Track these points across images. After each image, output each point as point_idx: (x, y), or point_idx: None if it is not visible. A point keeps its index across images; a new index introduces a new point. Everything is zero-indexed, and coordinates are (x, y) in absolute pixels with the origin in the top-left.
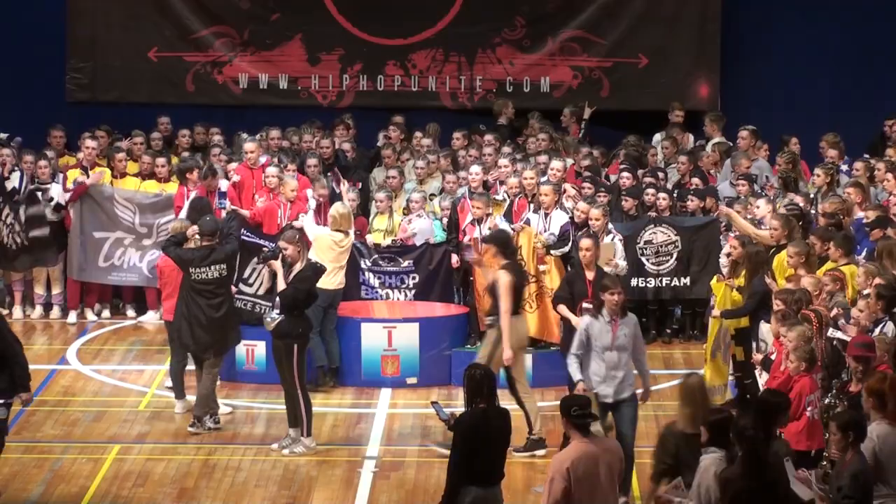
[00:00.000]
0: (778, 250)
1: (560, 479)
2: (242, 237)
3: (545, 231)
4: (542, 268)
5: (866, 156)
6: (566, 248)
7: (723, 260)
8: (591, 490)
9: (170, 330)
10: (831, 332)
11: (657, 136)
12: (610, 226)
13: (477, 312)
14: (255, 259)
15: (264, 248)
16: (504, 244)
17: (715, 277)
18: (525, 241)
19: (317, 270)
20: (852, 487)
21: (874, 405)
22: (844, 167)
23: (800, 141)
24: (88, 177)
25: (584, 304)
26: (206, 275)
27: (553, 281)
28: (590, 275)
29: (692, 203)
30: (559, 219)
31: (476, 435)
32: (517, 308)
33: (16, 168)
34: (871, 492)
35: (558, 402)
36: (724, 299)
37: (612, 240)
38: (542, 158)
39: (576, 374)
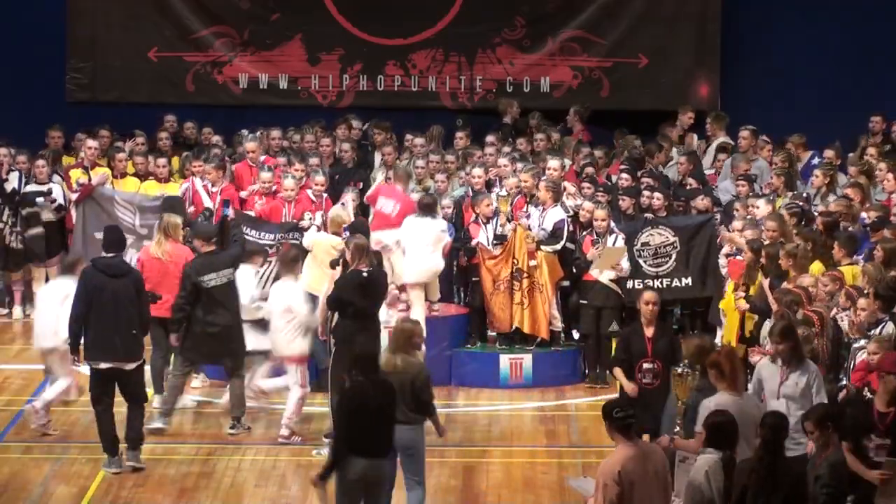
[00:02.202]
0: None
1: (613, 484)
2: (245, 236)
3: (539, 226)
4: (531, 263)
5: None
6: (558, 246)
7: (722, 261)
8: (642, 492)
9: (153, 324)
10: (839, 316)
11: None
12: (612, 225)
13: (485, 313)
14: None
15: (267, 248)
16: (355, 231)
17: (727, 299)
18: (518, 238)
19: (355, 278)
20: (831, 477)
21: (716, 376)
22: (816, 160)
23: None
24: (90, 177)
25: (644, 364)
26: (215, 281)
27: (543, 276)
28: (649, 331)
29: (700, 202)
30: (554, 215)
31: (354, 407)
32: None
33: (13, 168)
34: (847, 482)
35: (558, 403)
36: (736, 317)
37: (616, 240)
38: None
39: None
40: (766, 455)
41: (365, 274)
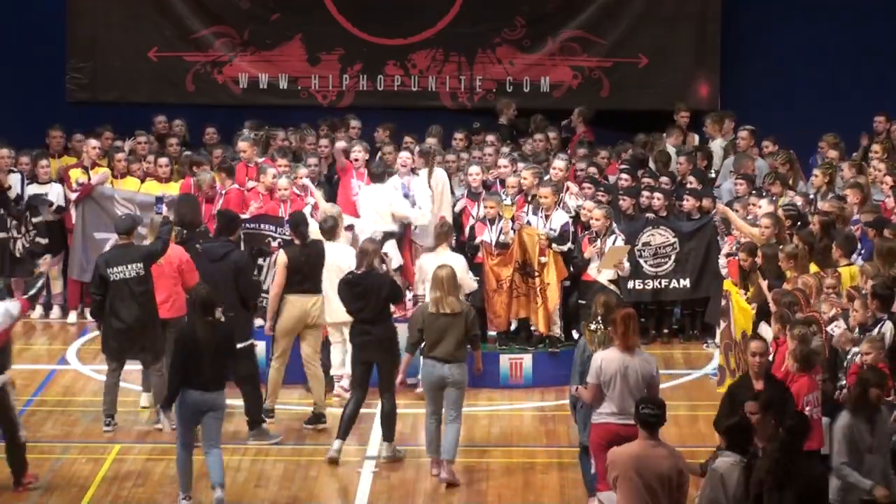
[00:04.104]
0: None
1: (613, 470)
2: (246, 230)
3: (548, 228)
4: (542, 259)
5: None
6: (564, 248)
7: (722, 261)
8: (644, 489)
9: None
10: (831, 328)
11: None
12: (613, 226)
13: (485, 312)
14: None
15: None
16: (295, 225)
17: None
18: (528, 239)
19: (343, 279)
20: None
21: (612, 332)
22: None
23: (800, 141)
24: (89, 177)
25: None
26: (124, 274)
27: (550, 275)
28: (758, 385)
29: (688, 203)
30: (559, 219)
31: (184, 345)
32: (293, 288)
33: (13, 169)
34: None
35: (558, 403)
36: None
37: (615, 241)
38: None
39: (862, 480)
40: (783, 456)
41: (350, 276)
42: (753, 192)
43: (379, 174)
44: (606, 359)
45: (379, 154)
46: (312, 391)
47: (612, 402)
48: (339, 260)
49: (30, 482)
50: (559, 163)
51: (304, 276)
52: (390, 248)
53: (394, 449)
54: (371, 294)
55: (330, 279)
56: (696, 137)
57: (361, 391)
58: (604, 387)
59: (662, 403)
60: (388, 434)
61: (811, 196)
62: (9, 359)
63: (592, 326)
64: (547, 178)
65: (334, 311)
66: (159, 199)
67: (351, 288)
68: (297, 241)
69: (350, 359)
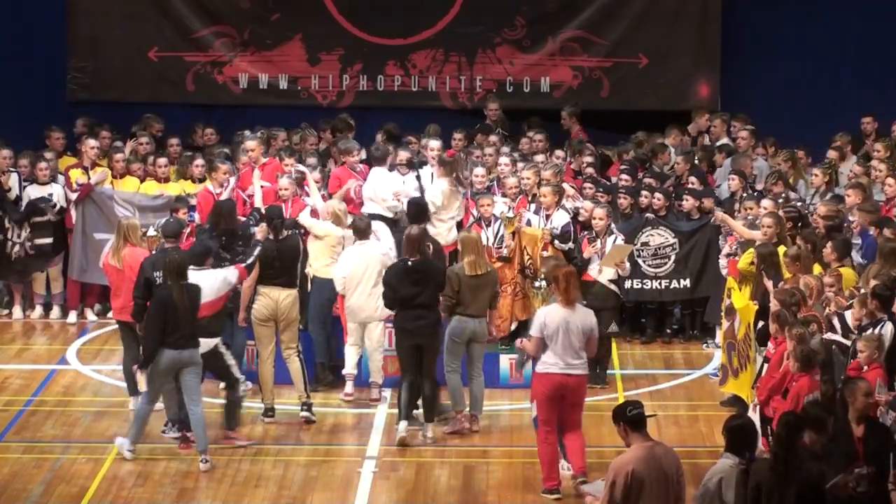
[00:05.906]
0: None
1: (622, 482)
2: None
3: (551, 227)
4: (545, 254)
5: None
6: (566, 247)
7: (722, 261)
8: (650, 493)
9: (121, 328)
10: (828, 336)
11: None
12: (612, 226)
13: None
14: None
15: None
16: (270, 219)
17: (737, 297)
18: (528, 240)
19: (400, 266)
20: None
21: (554, 289)
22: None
23: (800, 141)
24: (89, 177)
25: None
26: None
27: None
28: (859, 431)
29: (688, 203)
30: (560, 219)
31: (163, 307)
32: (265, 281)
33: (11, 169)
34: None
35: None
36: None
37: (615, 240)
38: (540, 158)
39: None
40: (780, 452)
41: (407, 264)
42: (751, 192)
43: (380, 157)
44: (549, 314)
45: (379, 136)
46: (294, 384)
47: (555, 353)
48: (373, 258)
49: (236, 439)
50: (547, 173)
51: (277, 270)
52: (380, 228)
53: (434, 430)
54: (429, 280)
55: (365, 279)
56: (707, 138)
57: (412, 374)
58: (547, 340)
59: (639, 402)
60: (430, 416)
61: (799, 196)
62: (223, 322)
63: (536, 284)
64: (545, 182)
65: (357, 310)
66: (193, 208)
67: (409, 275)
68: (270, 236)
69: (393, 344)
